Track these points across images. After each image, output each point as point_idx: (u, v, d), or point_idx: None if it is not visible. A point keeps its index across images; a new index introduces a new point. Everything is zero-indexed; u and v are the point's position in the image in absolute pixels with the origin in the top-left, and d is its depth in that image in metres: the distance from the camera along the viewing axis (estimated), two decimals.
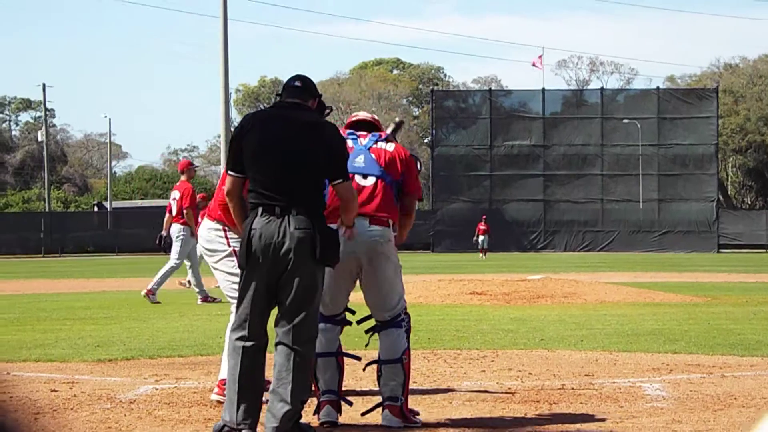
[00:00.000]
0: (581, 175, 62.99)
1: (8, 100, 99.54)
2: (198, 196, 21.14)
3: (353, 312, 7.24)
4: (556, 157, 63.28)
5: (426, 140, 72.80)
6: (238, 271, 6.69)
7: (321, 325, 6.85)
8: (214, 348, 10.92)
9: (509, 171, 63.16)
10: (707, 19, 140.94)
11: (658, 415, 7.39)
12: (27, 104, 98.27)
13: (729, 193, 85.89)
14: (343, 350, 7.26)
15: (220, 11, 40.67)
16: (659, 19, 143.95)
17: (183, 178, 18.32)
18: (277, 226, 6.34)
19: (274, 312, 6.53)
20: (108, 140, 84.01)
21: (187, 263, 18.58)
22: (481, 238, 51.20)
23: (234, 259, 7.86)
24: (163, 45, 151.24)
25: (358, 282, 7.18)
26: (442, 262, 41.79)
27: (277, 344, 6.45)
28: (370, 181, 7.10)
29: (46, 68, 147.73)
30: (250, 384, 6.39)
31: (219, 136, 49.74)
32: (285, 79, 6.80)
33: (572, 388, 8.56)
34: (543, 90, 64.78)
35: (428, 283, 20.02)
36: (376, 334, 7.20)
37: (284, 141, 6.43)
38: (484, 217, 53.50)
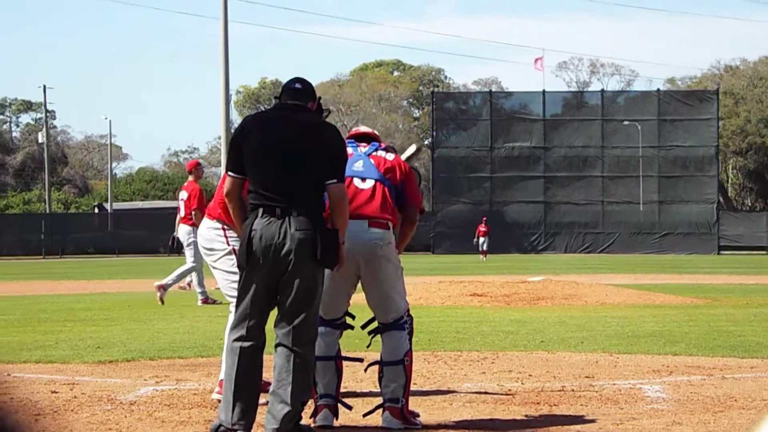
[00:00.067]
0: (582, 176, 63.02)
1: (9, 102, 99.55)
2: None
3: (353, 317, 7.24)
4: (557, 158, 63.31)
5: (426, 142, 72.76)
6: (236, 269, 6.69)
7: (321, 329, 6.85)
8: (214, 349, 10.92)
9: (510, 173, 63.17)
10: (708, 21, 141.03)
11: (659, 417, 7.39)
12: (28, 106, 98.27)
13: (729, 195, 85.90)
14: (344, 354, 7.26)
15: (221, 13, 40.69)
16: (660, 20, 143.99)
17: (191, 178, 18.11)
18: (278, 228, 6.34)
19: (273, 313, 6.53)
20: (108, 142, 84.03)
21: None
22: (481, 239, 51.21)
23: (233, 257, 7.87)
24: (163, 46, 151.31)
25: (360, 284, 7.19)
26: (443, 264, 41.78)
27: (276, 346, 6.45)
28: (369, 184, 7.12)
29: (46, 70, 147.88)
30: (246, 384, 6.40)
31: (219, 138, 49.77)
32: (285, 81, 6.82)
33: (572, 390, 8.56)
34: (543, 92, 64.81)
35: (428, 285, 20.02)
36: (379, 335, 7.21)
37: (285, 142, 6.44)
38: (485, 219, 53.51)
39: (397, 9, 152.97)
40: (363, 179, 7.12)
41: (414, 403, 7.47)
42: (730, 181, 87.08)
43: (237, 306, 6.50)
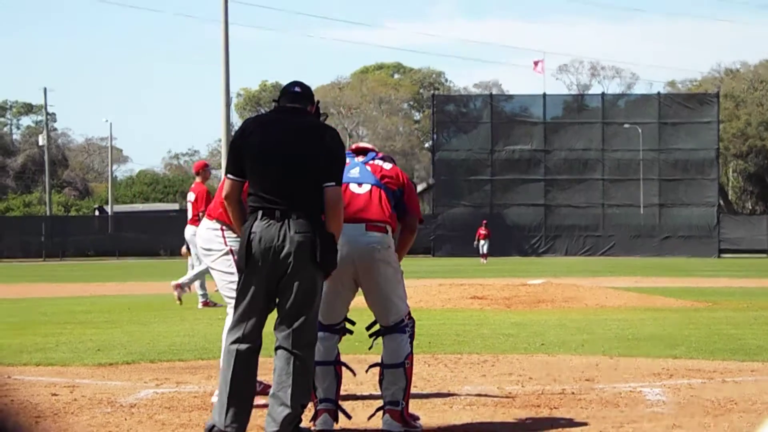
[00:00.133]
0: (582, 179, 63.01)
1: (9, 104, 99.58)
2: None
3: (353, 322, 7.24)
4: (557, 161, 63.30)
5: (427, 145, 72.78)
6: (234, 270, 6.69)
7: (320, 334, 6.84)
8: (214, 352, 10.92)
9: (510, 175, 63.17)
10: (708, 24, 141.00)
11: (659, 420, 7.39)
12: (28, 108, 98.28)
13: (730, 198, 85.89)
14: (342, 359, 7.26)
15: (221, 15, 40.73)
16: (660, 23, 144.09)
17: (198, 179, 17.97)
18: (277, 230, 6.34)
19: (273, 316, 6.53)
20: (109, 144, 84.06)
21: (189, 264, 18.51)
22: (481, 242, 51.19)
23: (230, 258, 7.88)
24: (163, 49, 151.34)
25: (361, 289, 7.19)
26: (443, 267, 41.78)
27: (276, 348, 6.45)
28: (365, 188, 7.13)
29: (47, 72, 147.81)
30: (241, 387, 6.40)
31: (220, 140, 49.78)
32: (285, 84, 6.83)
33: (573, 393, 8.56)
34: (544, 95, 64.82)
35: (429, 288, 20.03)
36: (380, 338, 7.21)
37: (285, 145, 6.45)
38: (485, 222, 53.49)
39: (397, 11, 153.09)
40: (359, 184, 7.14)
41: (414, 406, 7.47)
42: (730, 184, 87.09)
43: (235, 308, 6.50)
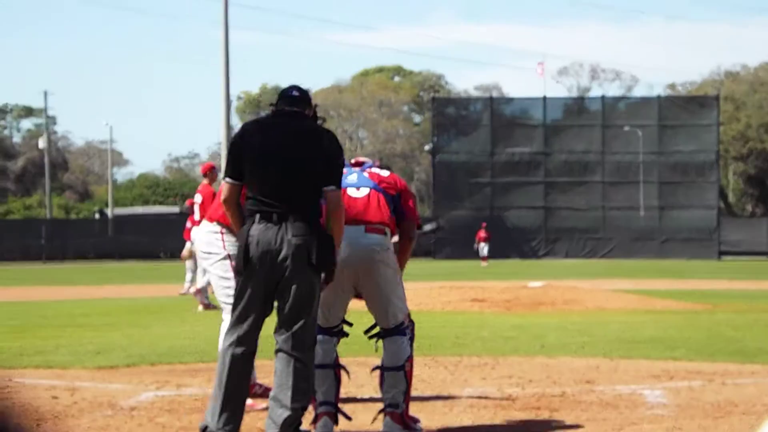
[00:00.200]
0: (582, 182, 63.02)
1: (10, 108, 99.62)
2: (186, 202, 21.13)
3: (350, 324, 7.25)
4: (557, 164, 63.31)
5: (427, 147, 72.78)
6: (231, 275, 6.69)
7: (318, 337, 6.85)
8: (214, 355, 10.87)
9: (510, 178, 63.18)
10: (708, 26, 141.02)
11: (659, 422, 7.39)
12: (28, 111, 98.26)
13: (730, 200, 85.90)
14: (340, 362, 7.26)
15: (222, 18, 40.77)
16: (660, 26, 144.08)
17: (205, 181, 17.85)
18: (275, 233, 6.35)
19: (271, 320, 6.53)
20: (109, 147, 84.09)
21: (188, 267, 18.57)
22: (481, 245, 51.17)
23: (227, 263, 7.88)
24: (164, 52, 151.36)
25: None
26: (443, 269, 41.77)
27: (276, 351, 6.46)
28: (363, 192, 7.16)
29: (47, 75, 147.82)
30: (235, 390, 6.43)
31: (220, 143, 49.82)
32: (284, 88, 6.86)
33: (573, 395, 8.56)
34: (544, 97, 64.84)
35: (429, 290, 20.03)
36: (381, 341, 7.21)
37: (284, 148, 6.46)
38: (484, 224, 53.48)
39: (397, 14, 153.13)
40: (357, 188, 7.17)
41: (415, 409, 7.48)
42: (730, 186, 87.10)
43: (233, 311, 6.51)
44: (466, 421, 7.50)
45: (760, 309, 18.13)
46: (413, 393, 7.47)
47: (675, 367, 10.32)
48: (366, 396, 8.37)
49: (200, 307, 18.11)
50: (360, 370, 8.33)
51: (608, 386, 9.07)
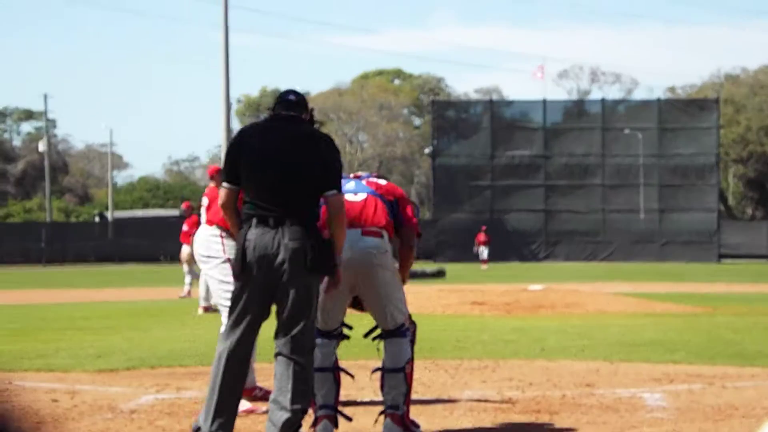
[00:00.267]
0: (582, 185, 63.01)
1: (10, 111, 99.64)
2: (183, 205, 21.14)
3: (350, 327, 7.25)
4: (557, 167, 63.30)
5: (427, 151, 72.78)
6: (229, 279, 6.69)
7: (317, 340, 6.85)
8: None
9: (510, 181, 63.17)
10: (708, 29, 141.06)
11: (659, 426, 7.40)
12: (28, 114, 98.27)
13: (730, 203, 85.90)
14: (340, 365, 7.27)
15: (222, 21, 40.79)
16: (660, 29, 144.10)
17: (212, 184, 17.84)
18: (272, 238, 6.36)
19: (270, 323, 6.54)
20: (109, 150, 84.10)
21: (185, 269, 18.55)
22: (481, 248, 51.14)
23: (227, 266, 7.88)
24: (164, 55, 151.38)
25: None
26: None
27: (276, 355, 6.47)
28: (361, 197, 7.19)
29: (47, 79, 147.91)
30: (230, 393, 6.43)
31: (220, 146, 49.82)
32: (281, 92, 6.87)
33: (573, 398, 8.56)
34: (544, 100, 64.83)
35: (429, 293, 20.04)
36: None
37: (282, 153, 6.47)
38: (484, 227, 53.47)
39: (397, 17, 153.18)
40: (355, 193, 7.20)
41: (415, 412, 7.48)
42: (730, 189, 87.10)
43: (230, 315, 6.51)
44: (466, 425, 7.50)
45: (759, 312, 18.13)
46: (413, 396, 7.47)
47: (675, 370, 10.32)
48: (366, 399, 8.38)
49: (200, 310, 18.12)
50: (360, 373, 8.33)
51: (608, 389, 9.08)
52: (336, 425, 7.07)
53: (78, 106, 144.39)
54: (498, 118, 64.83)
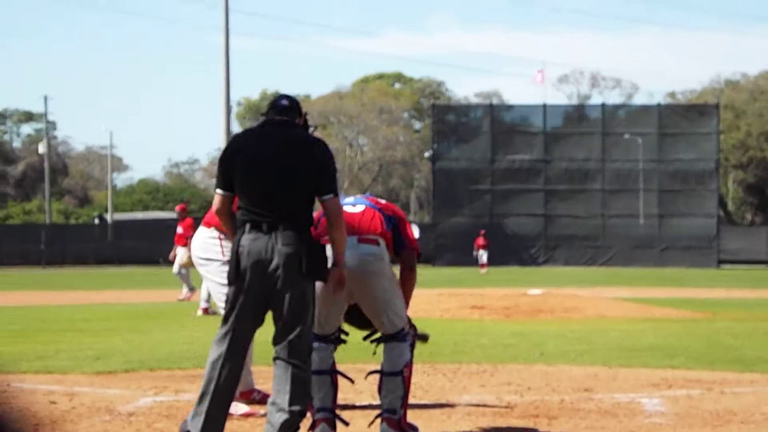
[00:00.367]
0: (582, 190, 63.02)
1: (9, 113, 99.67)
2: (177, 207, 21.14)
3: (347, 333, 7.25)
4: (557, 171, 63.31)
5: (427, 154, 72.76)
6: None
7: (314, 344, 6.85)
8: None
9: (510, 185, 63.17)
10: (708, 35, 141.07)
11: (657, 431, 7.39)
12: (28, 116, 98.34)
13: (729, 209, 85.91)
14: (338, 369, 7.27)
15: (222, 24, 40.81)
16: (660, 34, 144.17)
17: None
18: (265, 243, 6.35)
19: (268, 326, 6.54)
20: (109, 153, 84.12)
21: (175, 270, 18.50)
22: (480, 252, 51.12)
23: (226, 269, 7.88)
24: (164, 57, 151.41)
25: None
26: (443, 276, 41.75)
27: (274, 359, 6.47)
28: (360, 208, 7.22)
29: (47, 80, 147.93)
30: (221, 398, 6.43)
31: (220, 149, 49.83)
32: (274, 98, 6.88)
33: (571, 403, 8.56)
34: (544, 105, 64.84)
35: (428, 297, 20.03)
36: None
37: (277, 157, 6.46)
38: (483, 231, 53.44)
39: (398, 21, 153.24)
40: (354, 205, 7.24)
41: (413, 416, 7.48)
42: (730, 195, 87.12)
43: (224, 321, 6.51)
44: (465, 429, 7.50)
45: (759, 317, 18.13)
46: (411, 400, 7.47)
47: (674, 375, 10.32)
48: (364, 402, 8.37)
49: (200, 312, 18.11)
50: (358, 376, 8.32)
51: (607, 394, 9.07)
52: (334, 429, 7.06)
53: (78, 108, 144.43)
54: (498, 123, 64.84)
